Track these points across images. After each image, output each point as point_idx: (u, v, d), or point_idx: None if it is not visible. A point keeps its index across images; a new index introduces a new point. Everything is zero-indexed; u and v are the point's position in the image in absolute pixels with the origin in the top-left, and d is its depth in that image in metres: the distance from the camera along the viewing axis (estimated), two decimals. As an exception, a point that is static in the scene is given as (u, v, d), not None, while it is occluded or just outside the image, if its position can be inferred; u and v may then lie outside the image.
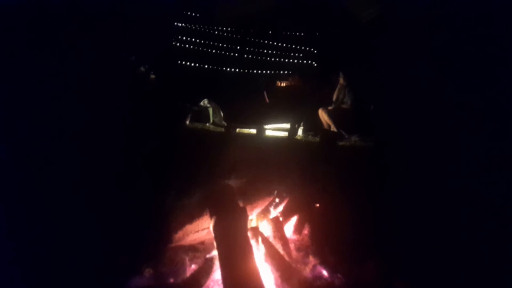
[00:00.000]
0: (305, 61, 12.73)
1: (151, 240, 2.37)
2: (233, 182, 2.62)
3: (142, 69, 8.51)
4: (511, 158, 4.44)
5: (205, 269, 2.21)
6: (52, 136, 4.47)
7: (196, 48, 12.49)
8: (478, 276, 2.46)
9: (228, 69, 11.96)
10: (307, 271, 2.35)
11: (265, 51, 12.97)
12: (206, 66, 11.90)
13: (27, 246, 2.42)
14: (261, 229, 2.45)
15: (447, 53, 8.06)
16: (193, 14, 13.73)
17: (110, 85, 6.67)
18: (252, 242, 2.23)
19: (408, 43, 9.25)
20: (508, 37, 6.94)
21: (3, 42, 5.64)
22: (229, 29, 13.61)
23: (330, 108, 7.31)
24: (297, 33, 13.81)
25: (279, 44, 13.33)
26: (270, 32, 13.69)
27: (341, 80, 7.35)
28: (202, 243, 2.60)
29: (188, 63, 11.77)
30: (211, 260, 2.26)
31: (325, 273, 2.33)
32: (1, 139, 3.98)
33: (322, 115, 7.24)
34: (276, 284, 2.13)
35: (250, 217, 2.49)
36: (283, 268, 2.16)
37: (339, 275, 2.26)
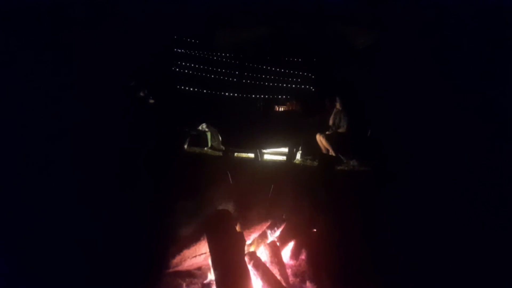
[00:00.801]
0: (302, 86, 12.91)
1: (149, 266, 2.36)
2: (230, 207, 2.64)
3: (141, 94, 8.62)
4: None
5: (202, 295, 2.20)
6: (54, 158, 4.50)
7: (195, 73, 12.68)
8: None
9: (227, 94, 12.11)
10: (304, 297, 2.34)
11: (263, 76, 13.17)
12: (204, 91, 12.05)
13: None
14: (258, 254, 2.46)
15: (446, 78, 8.22)
16: (192, 40, 14.03)
17: (110, 109, 6.74)
18: (250, 267, 2.23)
19: (406, 68, 9.44)
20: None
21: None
22: (227, 54, 13.87)
23: (327, 132, 7.39)
24: (295, 59, 14.08)
25: (277, 69, 13.56)
26: (268, 57, 13.95)
27: (337, 105, 7.48)
28: (199, 268, 2.59)
29: (187, 88, 11.92)
30: (208, 286, 2.26)
31: (322, 299, 2.32)
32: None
33: (320, 139, 7.31)
34: (273, 310, 2.12)
35: (247, 242, 2.50)
36: (280, 294, 2.15)
37: (336, 301, 2.25)
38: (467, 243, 3.21)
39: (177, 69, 12.53)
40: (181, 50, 13.32)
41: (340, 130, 7.35)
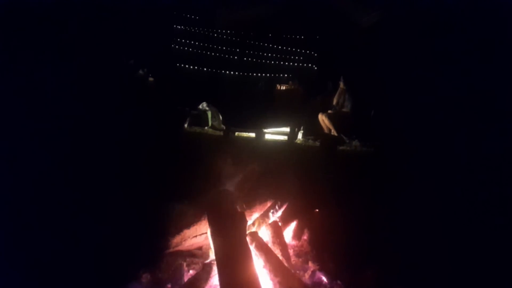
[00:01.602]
0: (305, 65, 12.72)
1: (149, 246, 2.34)
2: (231, 187, 2.59)
3: (141, 72, 8.50)
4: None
5: (203, 275, 2.17)
6: (50, 138, 4.46)
7: (195, 50, 12.48)
8: (478, 282, 2.44)
9: (227, 72, 11.95)
10: (306, 277, 2.32)
11: (265, 54, 12.97)
12: (205, 69, 11.89)
13: (25, 248, 2.40)
14: (260, 234, 2.42)
15: (448, 58, 8.07)
16: (193, 16, 13.74)
17: (109, 88, 6.66)
18: (251, 247, 2.20)
19: (409, 48, 9.26)
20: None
21: (3, 44, 5.63)
22: (228, 31, 13.61)
23: (330, 112, 7.31)
24: (297, 36, 13.82)
25: (279, 47, 13.33)
26: (270, 35, 13.70)
27: (342, 85, 7.37)
28: (200, 248, 2.57)
29: (187, 66, 11.75)
30: (209, 265, 2.23)
31: (324, 279, 2.30)
32: (4, 143, 3.96)
33: (323, 119, 7.24)
34: (275, 291, 2.11)
35: (249, 222, 2.46)
36: (282, 274, 2.12)
37: (338, 282, 2.24)
38: (472, 224, 3.19)
39: (177, 47, 12.32)
40: (180, 27, 13.05)
41: (344, 110, 7.26)
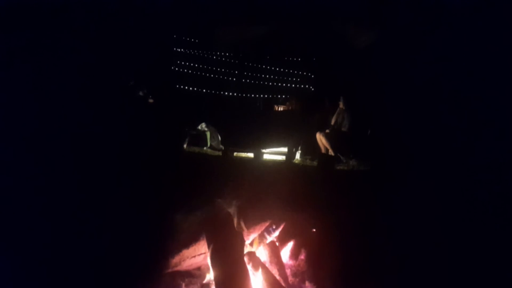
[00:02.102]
0: (302, 86, 12.91)
1: (148, 266, 2.36)
2: (230, 207, 2.64)
3: (141, 93, 8.61)
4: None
5: (201, 295, 2.20)
6: (50, 160, 4.50)
7: (194, 72, 12.67)
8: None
9: (226, 93, 12.11)
10: (303, 297, 2.34)
11: (263, 75, 13.17)
12: (204, 90, 12.04)
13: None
14: (257, 254, 2.45)
15: (445, 80, 8.21)
16: (192, 39, 14.02)
17: (109, 109, 6.73)
18: (249, 267, 2.23)
19: (406, 68, 9.43)
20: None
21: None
22: (227, 53, 13.86)
23: (327, 131, 7.38)
24: (294, 58, 14.07)
25: (277, 68, 13.55)
26: (267, 56, 13.94)
27: (341, 104, 7.47)
28: (199, 268, 2.59)
29: (186, 87, 11.92)
30: (207, 286, 2.26)
31: (321, 299, 2.32)
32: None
33: (320, 138, 7.30)
34: (272, 311, 2.12)
35: (246, 242, 2.50)
36: (280, 294, 2.15)
37: (335, 301, 2.25)
38: (465, 244, 3.21)
39: (177, 69, 12.52)
40: (180, 50, 13.30)
41: (342, 129, 7.34)
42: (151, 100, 8.77)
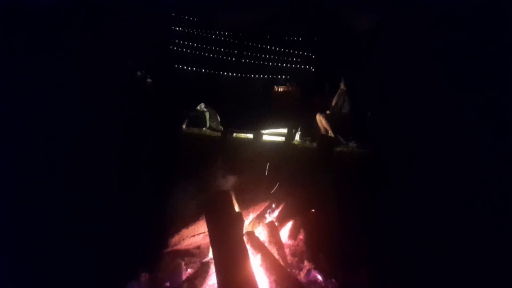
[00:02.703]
0: (302, 66, 12.78)
1: (147, 245, 2.38)
2: (229, 187, 2.63)
3: (139, 73, 8.52)
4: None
5: (201, 274, 2.22)
6: (52, 140, 4.49)
7: (193, 52, 12.51)
8: (473, 281, 2.48)
9: (225, 74, 11.98)
10: (301, 276, 2.36)
11: (263, 55, 13.02)
12: (203, 71, 11.92)
13: (26, 248, 2.44)
14: (257, 234, 2.47)
15: (446, 59, 8.12)
16: (191, 18, 13.78)
17: (107, 90, 6.68)
18: (248, 246, 2.24)
19: (406, 49, 9.33)
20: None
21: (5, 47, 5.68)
22: (226, 33, 13.66)
23: (327, 113, 7.35)
24: (295, 38, 13.88)
25: (277, 49, 13.38)
26: (268, 36, 13.75)
27: (342, 86, 7.41)
28: (198, 247, 2.61)
29: (185, 68, 11.78)
30: (206, 264, 2.27)
31: (319, 278, 2.34)
32: (8, 144, 3.99)
33: (320, 120, 7.28)
34: (271, 288, 2.15)
35: (246, 222, 2.51)
36: (278, 272, 2.17)
37: (333, 281, 2.28)
38: (467, 227, 3.24)
39: (175, 48, 12.35)
40: (179, 29, 13.09)
41: (343, 111, 7.31)
42: (149, 80, 8.69)
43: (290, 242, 2.81)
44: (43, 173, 3.62)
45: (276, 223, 2.74)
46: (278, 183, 2.92)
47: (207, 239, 2.40)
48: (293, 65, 12.80)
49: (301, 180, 3.48)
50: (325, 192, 3.45)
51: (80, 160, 4.12)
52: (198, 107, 8.17)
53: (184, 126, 7.61)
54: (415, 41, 9.27)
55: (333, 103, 7.49)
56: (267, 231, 2.57)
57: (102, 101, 6.18)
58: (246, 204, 2.63)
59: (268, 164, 3.61)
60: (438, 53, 8.41)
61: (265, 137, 7.45)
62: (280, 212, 2.89)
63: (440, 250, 2.80)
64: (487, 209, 3.66)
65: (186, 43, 12.62)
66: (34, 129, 4.66)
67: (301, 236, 2.82)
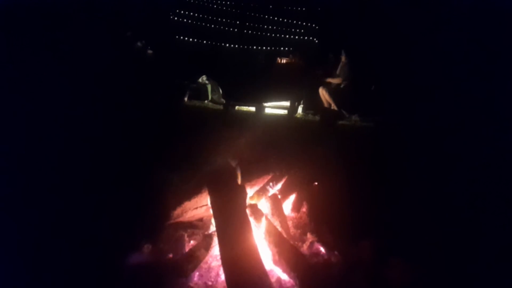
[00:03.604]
0: (306, 37, 12.48)
1: (150, 217, 2.38)
2: (231, 160, 2.61)
3: (139, 44, 8.34)
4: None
5: (204, 245, 2.22)
6: (48, 112, 4.46)
7: (194, 22, 12.21)
8: (472, 253, 2.49)
9: (227, 45, 11.74)
10: (304, 248, 2.37)
11: (265, 26, 12.70)
12: (204, 42, 11.68)
13: (27, 221, 2.45)
14: (259, 206, 2.46)
15: (452, 33, 7.93)
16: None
17: (107, 61, 6.57)
18: (251, 219, 2.24)
19: (410, 19, 9.08)
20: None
21: None
22: (228, 3, 13.28)
23: (330, 80, 7.24)
24: (299, 8, 13.50)
25: (280, 19, 13.03)
26: (270, 6, 13.37)
27: (343, 58, 7.26)
28: (201, 220, 2.62)
29: (186, 38, 11.53)
30: (209, 236, 2.28)
31: (322, 250, 2.35)
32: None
33: (323, 93, 7.18)
34: (274, 260, 2.16)
35: (249, 195, 2.49)
36: (281, 244, 2.17)
37: (336, 253, 2.28)
38: (471, 200, 3.24)
39: (176, 18, 12.04)
40: (179, -2, 12.75)
41: (344, 82, 7.19)
42: (149, 51, 8.52)
43: (293, 214, 2.81)
44: (42, 148, 3.60)
45: (279, 196, 2.73)
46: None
47: (210, 212, 2.39)
48: (297, 36, 12.51)
49: (304, 153, 3.45)
50: (328, 165, 3.43)
51: (82, 135, 4.10)
52: (200, 80, 8.05)
53: (185, 99, 7.54)
54: (419, 7, 9.01)
55: (336, 75, 7.38)
56: (270, 203, 2.56)
57: (101, 72, 6.09)
58: (249, 177, 2.61)
59: (270, 136, 3.59)
60: (445, 19, 8.18)
61: (268, 110, 7.38)
62: (283, 185, 2.88)
63: (442, 220, 2.81)
64: (488, 181, 3.66)
65: (186, 13, 12.29)
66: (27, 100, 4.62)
67: (304, 209, 2.82)
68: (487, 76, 6.29)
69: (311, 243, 2.40)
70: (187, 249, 2.27)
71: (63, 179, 2.98)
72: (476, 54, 6.85)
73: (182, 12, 12.21)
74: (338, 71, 7.35)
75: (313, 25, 12.85)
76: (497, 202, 3.23)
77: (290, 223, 2.62)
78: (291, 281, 2.06)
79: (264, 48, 11.79)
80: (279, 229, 2.37)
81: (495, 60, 6.33)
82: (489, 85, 6.15)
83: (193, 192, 2.43)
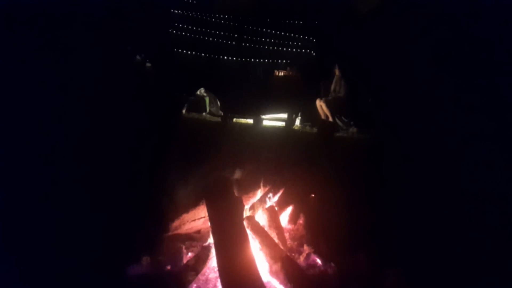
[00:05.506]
0: (303, 50, 12.63)
1: (149, 229, 2.40)
2: (229, 172, 2.65)
3: (138, 57, 8.43)
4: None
5: (202, 257, 2.25)
6: (50, 125, 4.48)
7: (193, 36, 12.35)
8: (468, 267, 2.51)
9: (225, 58, 11.86)
10: (301, 260, 2.40)
11: (263, 39, 12.84)
12: (203, 55, 11.79)
13: (29, 229, 2.46)
14: (256, 218, 2.49)
15: (448, 47, 8.04)
16: (190, 1, 13.56)
17: (106, 75, 6.63)
18: (248, 231, 2.27)
19: (408, 34, 9.21)
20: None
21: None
22: (226, 16, 13.46)
23: (328, 98, 7.32)
24: (296, 22, 13.68)
25: (277, 32, 13.19)
26: (268, 20, 13.55)
27: (337, 72, 7.37)
28: (199, 232, 2.64)
29: (184, 51, 11.65)
30: (207, 248, 2.31)
31: (318, 261, 2.38)
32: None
33: (320, 105, 7.25)
34: (271, 272, 2.18)
35: (246, 207, 2.53)
36: (278, 256, 2.20)
37: (332, 264, 2.31)
38: (466, 213, 3.26)
39: (174, 32, 12.19)
40: (178, 12, 12.90)
41: (338, 95, 7.29)
42: (148, 65, 8.61)
43: (290, 226, 2.84)
44: (43, 158, 3.62)
45: (276, 208, 2.76)
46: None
47: (208, 224, 2.42)
48: (294, 49, 12.65)
49: (301, 165, 3.48)
50: (325, 177, 3.46)
51: (79, 144, 4.11)
52: (198, 92, 8.11)
53: (184, 111, 7.58)
54: (418, 24, 9.14)
55: (332, 88, 7.47)
56: (267, 215, 2.59)
57: (100, 86, 6.13)
58: (246, 189, 2.65)
59: (268, 148, 3.62)
60: (441, 38, 8.30)
61: (266, 122, 7.43)
62: (280, 197, 2.91)
63: (438, 233, 2.83)
64: (486, 195, 3.67)
65: (185, 26, 12.44)
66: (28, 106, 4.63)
67: (300, 221, 2.85)
68: (488, 91, 6.35)
69: (308, 255, 2.42)
70: (185, 261, 2.29)
71: (62, 192, 3.00)
72: (476, 67, 6.93)
73: (180, 25, 12.37)
74: (333, 84, 7.44)
75: (310, 38, 13.01)
76: (491, 218, 3.25)
77: (287, 235, 2.65)
78: (288, 292, 2.08)
79: (262, 60, 11.91)
80: (276, 241, 2.40)
81: (493, 76, 6.40)
82: (490, 100, 6.20)
83: (191, 204, 2.46)
